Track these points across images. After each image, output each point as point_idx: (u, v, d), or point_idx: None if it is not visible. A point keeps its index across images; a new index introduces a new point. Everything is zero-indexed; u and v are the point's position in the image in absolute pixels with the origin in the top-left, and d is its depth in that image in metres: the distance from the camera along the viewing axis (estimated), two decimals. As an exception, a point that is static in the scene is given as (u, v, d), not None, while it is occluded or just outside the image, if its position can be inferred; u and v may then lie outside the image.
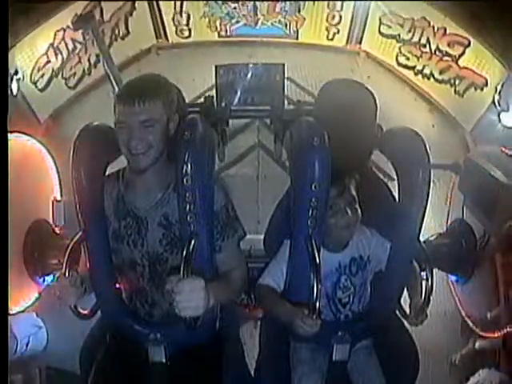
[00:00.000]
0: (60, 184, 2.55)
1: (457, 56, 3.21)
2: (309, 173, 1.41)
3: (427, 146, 1.49)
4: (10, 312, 2.23)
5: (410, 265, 1.59)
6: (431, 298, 1.55)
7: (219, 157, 2.43)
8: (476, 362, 2.41)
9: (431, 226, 2.50)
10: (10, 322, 2.30)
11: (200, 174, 1.39)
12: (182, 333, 1.39)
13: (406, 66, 3.62)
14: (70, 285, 1.43)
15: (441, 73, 3.38)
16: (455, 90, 3.29)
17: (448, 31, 3.23)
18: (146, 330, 1.52)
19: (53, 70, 3.21)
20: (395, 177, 1.57)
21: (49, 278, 2.35)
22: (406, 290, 1.62)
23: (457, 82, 3.27)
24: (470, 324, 2.44)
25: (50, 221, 2.45)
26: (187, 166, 1.37)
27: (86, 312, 1.58)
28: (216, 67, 2.29)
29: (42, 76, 3.15)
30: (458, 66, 3.21)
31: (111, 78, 2.59)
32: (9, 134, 2.14)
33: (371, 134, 1.63)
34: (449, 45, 3.25)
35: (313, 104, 1.80)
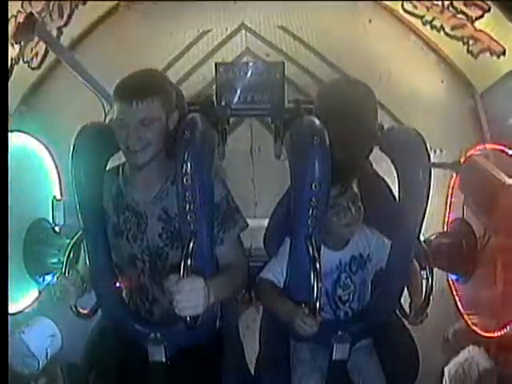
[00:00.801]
0: (60, 183, 2.55)
1: (473, 17, 2.94)
2: (309, 172, 1.41)
3: (427, 145, 1.49)
4: (10, 312, 2.22)
5: (410, 264, 1.59)
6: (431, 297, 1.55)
7: (219, 156, 2.43)
8: (467, 337, 2.41)
9: (431, 226, 2.49)
10: (25, 341, 2.34)
11: (200, 173, 1.39)
12: (181, 332, 1.39)
13: (413, 14, 3.24)
14: (70, 284, 1.43)
15: (453, 29, 3.07)
16: (468, 49, 3.02)
17: None
18: (146, 330, 1.52)
19: (12, 59, 2.98)
20: (395, 174, 1.57)
21: (49, 278, 2.35)
22: (406, 289, 1.62)
23: (470, 42, 3.00)
24: (470, 323, 2.44)
25: (50, 220, 2.45)
26: (187, 165, 1.37)
27: (85, 312, 1.58)
28: (216, 65, 2.29)
29: None
30: (474, 27, 2.94)
31: (79, 77, 2.52)
32: (9, 134, 2.13)
33: (372, 132, 1.63)
34: (465, 5, 2.95)
35: (313, 102, 1.80)
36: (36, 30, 2.52)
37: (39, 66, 3.22)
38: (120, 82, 1.45)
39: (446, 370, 2.46)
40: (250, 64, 2.33)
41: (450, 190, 2.56)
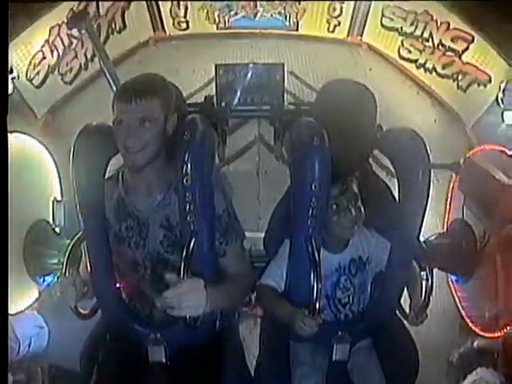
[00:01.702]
0: (60, 184, 2.55)
1: (460, 51, 3.15)
2: (309, 173, 1.41)
3: (427, 146, 1.49)
4: (10, 312, 2.23)
5: (410, 265, 1.59)
6: (431, 297, 1.55)
7: (219, 157, 2.43)
8: (474, 361, 2.41)
9: (431, 226, 2.50)
10: (12, 324, 2.31)
11: (200, 174, 1.39)
12: (182, 333, 1.39)
13: (408, 60, 3.54)
14: (70, 285, 1.43)
15: (443, 67, 3.32)
16: (458, 85, 3.24)
17: (451, 26, 3.18)
18: (146, 330, 1.52)
19: (49, 67, 3.16)
20: (395, 176, 1.57)
21: (49, 278, 2.35)
22: (406, 289, 1.62)
23: (459, 77, 3.21)
24: (470, 324, 2.44)
25: (50, 221, 2.45)
26: (187, 166, 1.37)
27: (85, 312, 1.58)
28: (216, 67, 2.29)
29: (38, 73, 3.10)
30: (462, 61, 3.15)
31: (107, 75, 2.57)
32: (9, 134, 2.14)
33: (371, 133, 1.63)
34: (452, 40, 3.19)
35: (312, 104, 1.80)
36: (86, 21, 2.65)
37: (71, 82, 3.40)
38: (121, 85, 1.45)
39: None
40: (250, 66, 2.33)
41: (450, 191, 2.57)
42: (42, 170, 2.50)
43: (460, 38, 3.14)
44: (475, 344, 2.44)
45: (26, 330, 2.40)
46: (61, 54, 3.19)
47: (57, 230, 2.46)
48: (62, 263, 1.51)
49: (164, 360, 1.51)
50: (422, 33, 3.37)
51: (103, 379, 1.53)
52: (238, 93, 2.27)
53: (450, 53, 3.24)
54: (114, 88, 2.57)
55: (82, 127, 1.50)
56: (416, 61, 3.50)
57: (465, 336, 2.55)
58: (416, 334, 1.71)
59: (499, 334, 2.20)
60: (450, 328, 2.65)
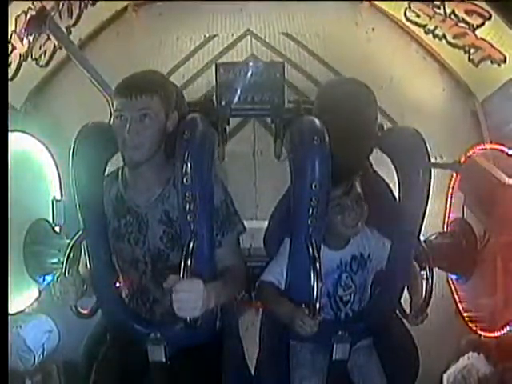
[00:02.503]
0: (60, 183, 2.55)
1: (474, 25, 3.00)
2: (309, 172, 1.41)
3: (427, 145, 1.49)
4: (10, 312, 2.22)
5: (410, 264, 1.59)
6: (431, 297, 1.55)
7: (219, 156, 2.43)
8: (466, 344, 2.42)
9: (431, 226, 2.49)
10: (22, 335, 2.33)
11: (200, 173, 1.39)
12: (182, 333, 1.39)
13: (415, 23, 3.30)
14: (70, 284, 1.43)
15: (454, 37, 3.13)
16: (469, 58, 3.08)
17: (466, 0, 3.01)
18: (146, 330, 1.52)
19: (21, 56, 3.04)
20: (395, 173, 1.57)
21: (49, 278, 2.35)
22: (406, 288, 1.62)
23: (472, 51, 3.06)
24: (469, 323, 2.44)
25: (50, 220, 2.45)
26: (187, 165, 1.37)
27: (85, 311, 1.58)
28: (216, 65, 2.29)
29: (10, 64, 2.99)
30: (475, 35, 3.01)
31: (89, 76, 2.53)
32: (10, 134, 2.13)
33: (372, 132, 1.63)
34: (466, 13, 3.02)
35: (313, 102, 1.80)
36: (47, 23, 2.55)
37: (47, 64, 3.24)
38: (121, 80, 1.45)
39: (444, 376, 2.46)
40: (250, 64, 2.33)
41: (450, 190, 2.57)
42: (42, 169, 2.50)
43: (475, 13, 2.97)
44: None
45: (36, 338, 2.41)
46: (31, 39, 3.03)
47: (56, 229, 2.46)
48: (62, 262, 1.50)
49: (164, 360, 1.51)
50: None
51: (103, 379, 1.53)
52: (238, 91, 2.27)
53: (462, 24, 3.06)
54: (95, 81, 2.54)
55: (81, 126, 1.50)
56: (424, 26, 3.25)
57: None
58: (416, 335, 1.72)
59: (498, 333, 2.20)
60: (449, 328, 2.65)
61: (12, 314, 2.26)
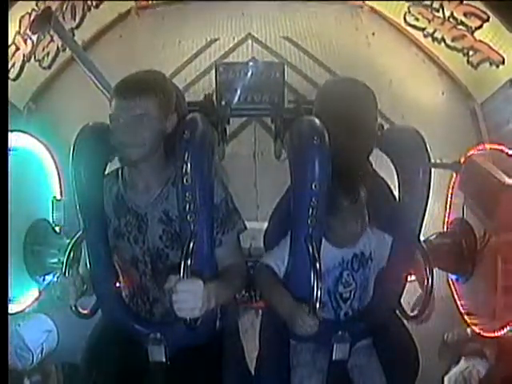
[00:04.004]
0: (60, 183, 2.55)
1: (473, 28, 3.04)
2: (309, 172, 1.41)
3: (427, 145, 1.49)
4: (11, 312, 2.22)
5: (410, 263, 1.59)
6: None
7: (219, 156, 2.43)
8: (468, 345, 2.42)
9: (431, 226, 2.49)
10: (21, 334, 2.33)
11: (200, 173, 1.39)
12: (181, 332, 1.39)
13: (414, 27, 3.36)
14: (70, 284, 1.43)
15: (453, 40, 3.18)
16: (468, 60, 3.12)
17: (465, 1, 3.05)
18: (146, 330, 1.52)
19: (24, 56, 3.09)
20: (395, 172, 1.57)
21: (49, 278, 2.35)
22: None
23: (470, 53, 3.10)
24: (469, 323, 2.43)
25: (50, 220, 2.45)
26: (187, 165, 1.37)
27: (86, 312, 1.58)
28: (216, 65, 2.29)
29: (13, 65, 3.04)
30: (474, 37, 3.05)
31: (91, 76, 2.53)
32: (10, 134, 2.13)
33: (372, 132, 1.63)
34: (465, 15, 3.07)
35: (313, 102, 1.80)
36: (52, 22, 2.55)
37: (50, 66, 3.30)
38: (120, 80, 1.45)
39: (445, 379, 2.46)
40: (250, 64, 2.33)
41: (450, 190, 2.56)
42: (43, 169, 2.50)
43: (473, 15, 3.01)
44: (468, 330, 2.46)
45: (35, 337, 2.42)
46: (35, 40, 3.09)
47: (57, 229, 2.46)
48: (62, 263, 1.50)
49: (164, 360, 1.51)
50: (432, 2, 3.20)
51: (103, 379, 1.53)
52: (238, 91, 2.27)
53: (461, 27, 3.10)
54: (97, 82, 2.55)
55: (81, 126, 1.50)
56: (423, 29, 3.30)
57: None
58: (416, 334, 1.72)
59: (498, 333, 2.19)
60: (449, 328, 2.64)
61: (12, 314, 2.26)
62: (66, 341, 2.55)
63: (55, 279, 1.44)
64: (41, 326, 2.48)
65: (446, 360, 2.53)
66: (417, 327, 1.71)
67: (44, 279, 2.36)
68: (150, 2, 3.59)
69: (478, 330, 2.37)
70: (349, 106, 1.57)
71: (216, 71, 2.26)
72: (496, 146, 2.41)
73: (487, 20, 2.97)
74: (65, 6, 3.16)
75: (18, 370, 2.36)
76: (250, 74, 2.28)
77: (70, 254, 1.51)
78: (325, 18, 3.41)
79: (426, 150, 1.49)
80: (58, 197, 2.54)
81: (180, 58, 3.17)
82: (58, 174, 2.54)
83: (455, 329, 2.57)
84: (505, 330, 2.14)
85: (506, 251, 2.09)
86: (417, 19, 3.33)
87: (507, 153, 2.29)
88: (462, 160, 2.43)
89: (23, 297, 2.35)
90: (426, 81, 3.28)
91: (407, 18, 3.36)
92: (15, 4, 2.88)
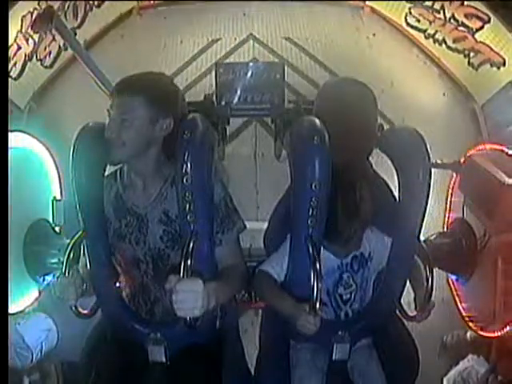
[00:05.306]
0: (60, 183, 2.55)
1: (474, 29, 3.05)
2: (309, 172, 1.41)
3: (427, 145, 1.49)
4: (11, 312, 2.22)
5: (410, 263, 1.59)
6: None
7: (219, 156, 2.43)
8: (467, 347, 2.42)
9: (431, 226, 2.49)
10: (21, 333, 2.33)
11: (200, 173, 1.39)
12: (181, 332, 1.39)
13: (415, 28, 3.36)
14: (70, 284, 1.43)
15: (454, 41, 3.18)
16: (469, 62, 3.13)
17: (466, 3, 3.05)
18: (146, 330, 1.52)
19: (25, 55, 3.08)
20: (395, 174, 1.57)
21: (49, 278, 2.35)
22: (409, 282, 1.62)
23: (471, 55, 3.10)
24: (469, 323, 2.43)
25: (50, 220, 2.45)
26: (187, 165, 1.37)
27: (86, 312, 1.58)
28: (216, 65, 2.29)
29: (15, 64, 3.04)
30: (475, 39, 3.05)
31: (93, 76, 2.54)
32: (10, 134, 2.13)
33: (372, 132, 1.63)
34: (466, 16, 3.07)
35: (313, 103, 1.80)
36: (54, 21, 2.56)
37: (52, 65, 3.29)
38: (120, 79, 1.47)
39: (445, 380, 2.46)
40: (250, 64, 2.33)
41: (450, 190, 2.56)
42: (43, 169, 2.50)
43: (474, 16, 3.02)
44: (468, 333, 2.47)
45: (35, 336, 2.42)
46: (37, 40, 3.08)
47: (57, 229, 2.46)
48: (62, 263, 1.50)
49: (164, 360, 1.51)
50: (433, 4, 3.21)
51: (103, 379, 1.53)
52: (238, 91, 2.27)
53: (462, 28, 3.10)
54: (99, 82, 2.55)
55: (81, 126, 1.50)
56: (425, 31, 3.30)
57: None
58: (416, 335, 1.71)
59: (498, 334, 2.19)
60: (449, 328, 2.65)
61: (12, 314, 2.26)
62: (66, 340, 2.55)
63: (55, 279, 1.44)
64: (40, 325, 2.48)
65: (446, 362, 2.53)
66: (417, 327, 1.71)
67: (44, 279, 2.36)
68: (152, 2, 3.60)
69: (478, 330, 2.37)
70: (349, 107, 1.58)
71: (216, 71, 2.26)
72: (496, 146, 2.41)
73: (488, 21, 2.98)
74: (67, 6, 3.16)
75: (17, 368, 2.36)
76: (250, 74, 2.28)
77: (69, 254, 1.51)
78: (326, 19, 3.41)
79: (426, 150, 1.48)
80: (58, 197, 2.54)
81: (181, 58, 3.19)
82: (58, 174, 2.54)
83: (454, 330, 2.57)
84: (505, 330, 2.14)
85: (506, 251, 2.10)
86: (418, 20, 3.34)
87: (507, 153, 2.29)
88: (462, 160, 2.43)
89: (23, 297, 2.35)
90: (426, 82, 3.29)
91: (408, 19, 3.37)
92: (17, 3, 2.88)
